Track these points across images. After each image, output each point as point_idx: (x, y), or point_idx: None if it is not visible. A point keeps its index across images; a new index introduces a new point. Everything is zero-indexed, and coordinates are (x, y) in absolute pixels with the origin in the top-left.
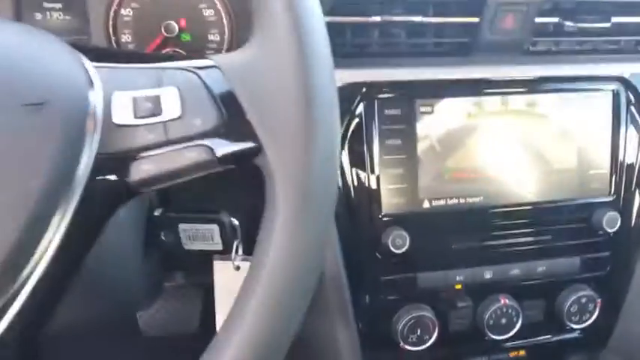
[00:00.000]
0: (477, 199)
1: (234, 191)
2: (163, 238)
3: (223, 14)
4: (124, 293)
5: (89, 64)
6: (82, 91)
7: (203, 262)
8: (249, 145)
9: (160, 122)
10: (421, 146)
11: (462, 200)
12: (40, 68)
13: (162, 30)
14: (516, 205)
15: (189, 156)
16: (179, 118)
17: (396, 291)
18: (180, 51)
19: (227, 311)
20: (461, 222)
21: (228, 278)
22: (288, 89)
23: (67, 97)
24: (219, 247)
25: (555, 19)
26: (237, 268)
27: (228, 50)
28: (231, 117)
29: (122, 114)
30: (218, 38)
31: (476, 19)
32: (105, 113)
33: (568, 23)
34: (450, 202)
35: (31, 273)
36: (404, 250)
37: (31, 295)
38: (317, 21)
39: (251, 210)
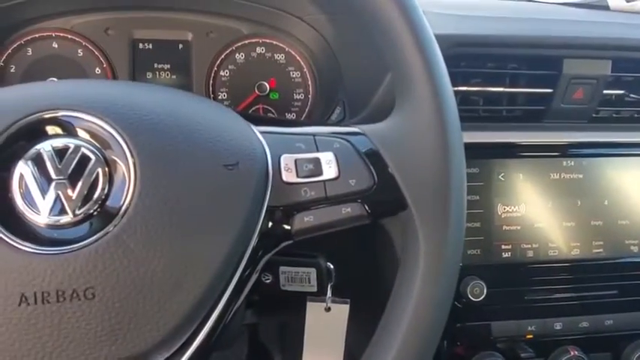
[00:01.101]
0: (549, 253)
1: (332, 237)
2: (264, 279)
3: (309, 76)
4: None
5: (256, 130)
6: (261, 154)
7: (288, 301)
8: (396, 202)
9: (320, 181)
10: (497, 202)
11: (535, 253)
12: (227, 134)
13: (256, 89)
14: (586, 260)
15: (345, 211)
16: (336, 178)
17: (471, 338)
18: (270, 108)
19: (315, 349)
20: (534, 274)
21: (318, 319)
22: (430, 154)
23: (251, 159)
24: (314, 289)
25: (620, 91)
26: (328, 309)
27: (312, 107)
28: (380, 177)
29: (288, 174)
30: (302, 97)
31: (549, 90)
32: (275, 173)
33: (632, 95)
34: (525, 255)
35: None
36: (481, 299)
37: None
38: (450, 91)
39: (343, 254)
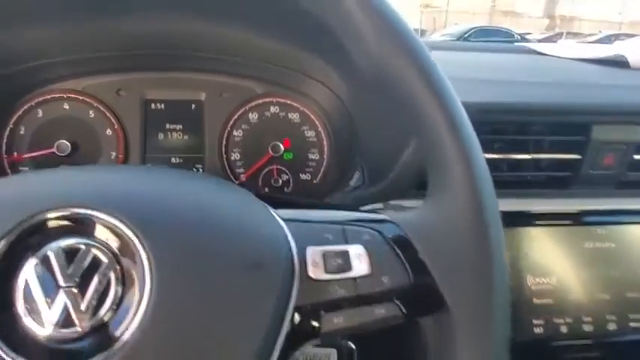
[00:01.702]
0: (584, 328)
1: None
2: None
3: (323, 135)
4: None
5: (280, 219)
6: (286, 248)
7: None
8: (435, 301)
9: (350, 278)
10: (527, 273)
11: (569, 329)
12: (250, 227)
13: (269, 150)
14: (623, 334)
15: (378, 312)
16: (368, 275)
17: None
18: (284, 169)
19: None
20: (569, 352)
21: None
22: (471, 252)
23: (276, 255)
24: None
25: None
26: None
27: (327, 168)
28: (416, 274)
29: (315, 269)
30: (317, 157)
31: (578, 157)
32: (301, 267)
33: None
34: (558, 330)
35: None
36: None
37: None
38: (486, 171)
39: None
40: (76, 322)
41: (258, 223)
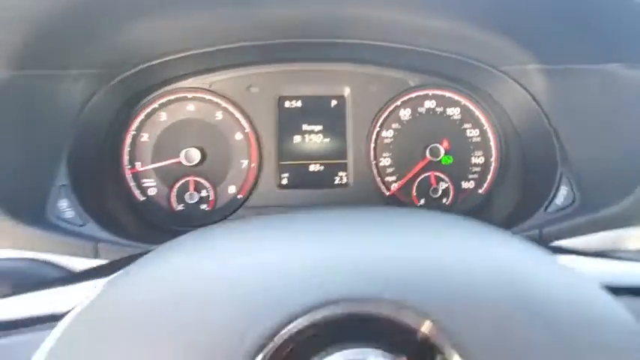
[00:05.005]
0: None
1: None
2: None
3: (491, 135)
4: None
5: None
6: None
7: None
8: None
9: None
10: None
11: None
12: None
13: (427, 153)
14: None
15: None
16: None
17: None
18: (444, 176)
19: None
20: None
21: None
22: None
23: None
24: None
25: None
26: None
27: (495, 174)
28: None
29: None
30: (482, 161)
31: None
32: None
33: None
34: None
35: None
36: None
37: None
38: None
39: None
40: None
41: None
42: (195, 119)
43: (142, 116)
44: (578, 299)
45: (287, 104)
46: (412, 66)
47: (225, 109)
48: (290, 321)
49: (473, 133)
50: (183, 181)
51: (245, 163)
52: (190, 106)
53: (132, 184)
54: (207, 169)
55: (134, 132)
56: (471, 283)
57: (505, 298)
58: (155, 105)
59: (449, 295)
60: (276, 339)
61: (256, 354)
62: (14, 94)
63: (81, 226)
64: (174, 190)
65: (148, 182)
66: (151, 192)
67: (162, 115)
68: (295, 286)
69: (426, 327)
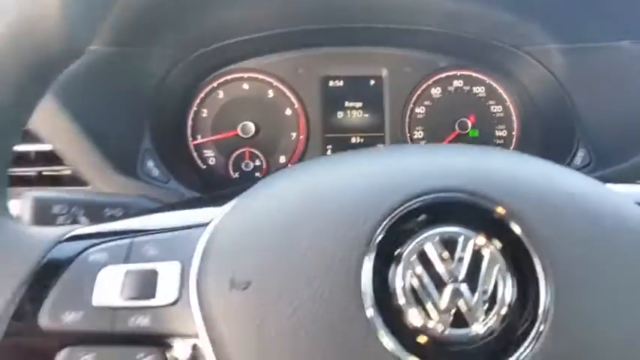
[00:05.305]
0: None
1: None
2: None
3: (512, 110)
4: None
5: None
6: None
7: None
8: None
9: None
10: None
11: None
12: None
13: (457, 127)
14: None
15: None
16: None
17: None
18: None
19: None
20: None
21: None
22: None
23: None
24: None
25: None
26: None
27: (517, 146)
28: None
29: None
30: (505, 134)
31: None
32: None
33: None
34: None
35: None
36: None
37: None
38: None
39: None
40: (469, 320)
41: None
42: (249, 97)
43: (202, 94)
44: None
45: (331, 83)
46: (442, 48)
47: (276, 88)
48: (402, 203)
49: (496, 109)
50: (239, 151)
51: (294, 135)
52: (245, 85)
53: (194, 154)
54: (261, 141)
55: (195, 108)
56: (551, 187)
57: (579, 205)
58: (214, 84)
59: (523, 189)
60: (387, 219)
61: (373, 232)
62: (110, 69)
63: (165, 182)
64: (231, 159)
65: (208, 153)
66: (211, 161)
67: (220, 94)
68: (402, 181)
69: (502, 210)
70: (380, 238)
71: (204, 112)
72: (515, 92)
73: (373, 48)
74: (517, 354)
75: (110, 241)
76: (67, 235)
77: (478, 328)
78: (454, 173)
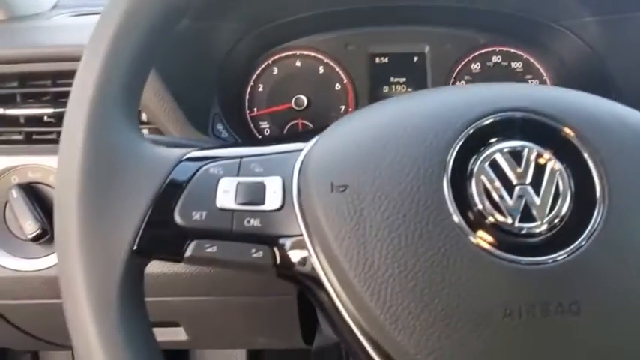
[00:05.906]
0: None
1: None
2: None
3: (549, 84)
4: None
5: None
6: None
7: None
8: None
9: None
10: None
11: None
12: None
13: None
14: None
15: None
16: None
17: None
18: None
19: None
20: None
21: None
22: None
23: None
24: None
25: None
26: None
27: None
28: None
29: None
30: None
31: None
32: None
33: None
34: None
35: None
36: None
37: None
38: None
39: None
40: (536, 216)
41: None
42: (301, 73)
43: (258, 70)
44: None
45: (377, 60)
46: (481, 25)
47: (326, 64)
48: (477, 119)
49: (533, 82)
50: (292, 123)
51: (343, 108)
52: (297, 62)
53: (251, 125)
54: (312, 113)
55: (252, 83)
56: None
57: None
58: (269, 61)
59: (590, 112)
60: (466, 131)
61: (451, 144)
62: (191, 41)
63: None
64: (285, 130)
65: (263, 124)
66: (266, 132)
67: (275, 70)
68: (476, 101)
69: (569, 131)
70: (458, 146)
71: (260, 87)
72: (552, 67)
73: (416, 27)
74: (575, 244)
75: (223, 159)
76: (187, 156)
77: (545, 221)
78: (522, 96)
